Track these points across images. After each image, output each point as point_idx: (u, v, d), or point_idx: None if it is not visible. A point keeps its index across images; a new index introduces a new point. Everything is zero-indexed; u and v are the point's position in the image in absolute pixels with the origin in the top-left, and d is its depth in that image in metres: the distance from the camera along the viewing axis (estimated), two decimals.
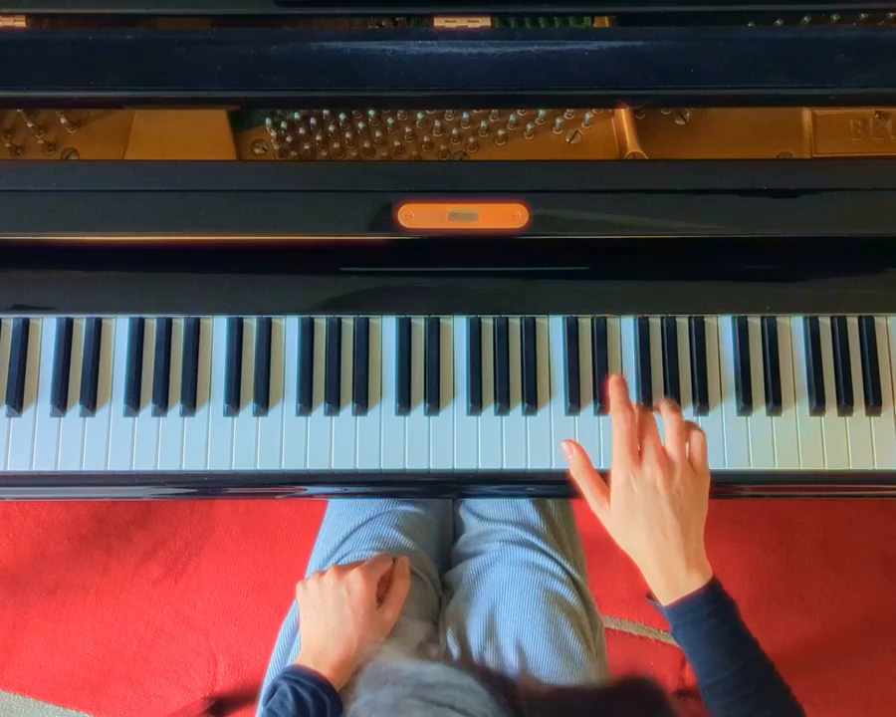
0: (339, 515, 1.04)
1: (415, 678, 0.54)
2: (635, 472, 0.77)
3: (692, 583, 0.76)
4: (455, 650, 0.95)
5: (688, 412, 0.91)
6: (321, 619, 0.90)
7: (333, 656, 0.88)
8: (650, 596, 0.79)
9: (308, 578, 0.95)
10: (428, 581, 1.02)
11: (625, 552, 0.80)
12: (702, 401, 0.91)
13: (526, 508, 1.02)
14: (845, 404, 0.90)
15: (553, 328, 0.92)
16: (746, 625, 0.77)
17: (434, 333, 0.92)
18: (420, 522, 1.04)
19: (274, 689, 0.87)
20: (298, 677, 0.86)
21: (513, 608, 0.95)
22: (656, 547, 0.77)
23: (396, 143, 0.96)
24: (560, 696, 0.53)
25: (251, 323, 0.92)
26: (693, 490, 0.78)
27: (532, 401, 0.90)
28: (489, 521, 1.03)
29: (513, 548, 0.99)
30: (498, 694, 0.51)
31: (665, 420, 0.79)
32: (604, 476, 0.79)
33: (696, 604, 0.76)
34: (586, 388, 0.91)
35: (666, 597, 0.77)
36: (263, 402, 0.90)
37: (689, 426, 0.80)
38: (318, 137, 0.95)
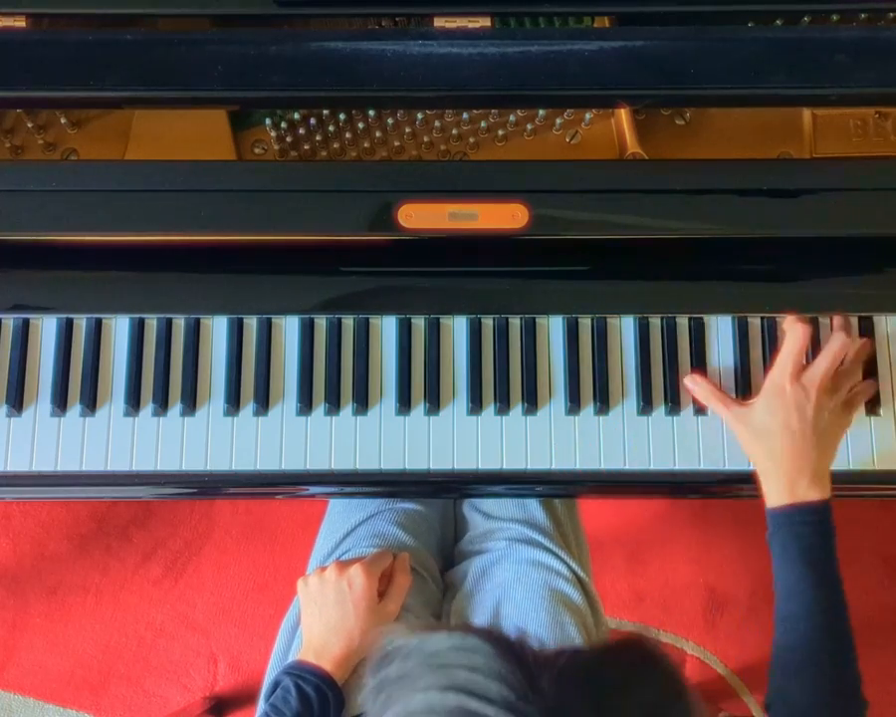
0: (340, 512, 1.05)
1: (419, 648, 0.54)
2: (795, 376, 0.82)
3: (811, 493, 0.79)
4: None
5: (687, 412, 0.91)
6: (322, 615, 0.91)
7: (335, 651, 0.88)
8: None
9: (309, 574, 0.95)
10: (429, 577, 1.02)
11: (750, 457, 0.84)
12: None
13: (532, 506, 1.02)
14: None
15: (553, 328, 0.92)
16: (838, 562, 0.78)
17: (434, 333, 0.92)
18: (421, 519, 1.05)
19: (276, 685, 0.87)
20: (301, 672, 0.86)
21: (518, 606, 0.95)
22: (790, 446, 0.80)
23: (396, 143, 0.96)
24: (566, 654, 0.53)
25: (251, 323, 0.92)
26: (838, 418, 0.83)
27: (532, 401, 0.90)
28: (495, 519, 1.03)
29: (519, 546, 0.99)
30: (505, 651, 0.51)
31: (849, 355, 0.85)
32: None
33: (807, 513, 0.78)
34: (586, 388, 0.91)
35: (780, 497, 0.79)
36: (263, 402, 0.90)
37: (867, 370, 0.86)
38: (318, 137, 0.95)
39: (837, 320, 0.89)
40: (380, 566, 0.94)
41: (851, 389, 0.86)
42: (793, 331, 0.83)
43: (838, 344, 0.84)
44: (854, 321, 0.92)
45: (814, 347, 0.89)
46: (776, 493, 0.80)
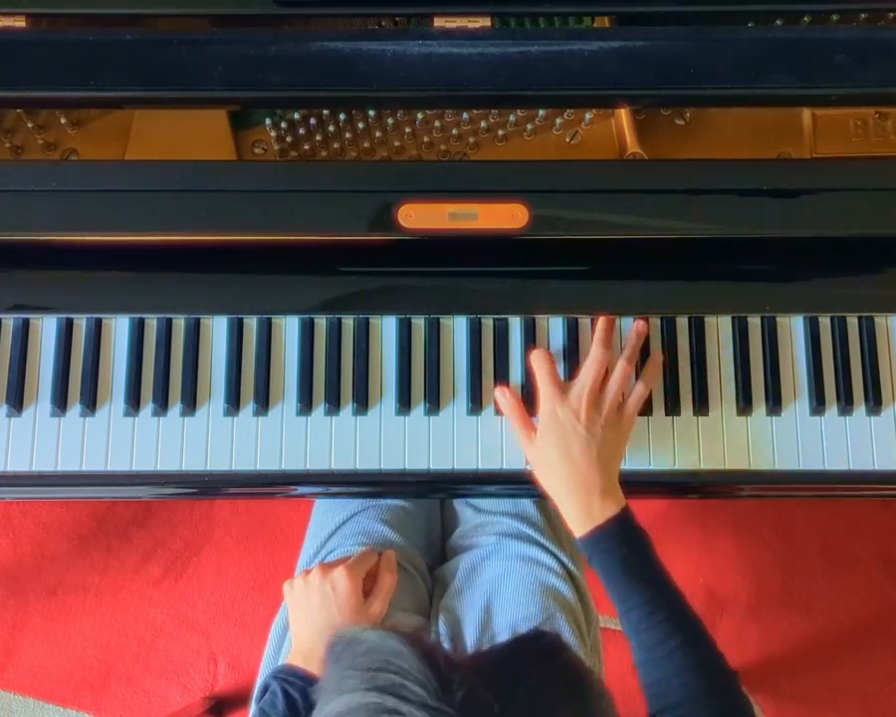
0: (325, 512, 1.04)
1: (350, 650, 0.58)
2: (560, 400, 0.83)
3: (606, 511, 0.80)
4: (447, 643, 0.95)
5: (687, 412, 0.91)
6: (308, 618, 0.91)
7: (321, 655, 0.88)
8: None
9: (295, 577, 0.95)
10: (416, 573, 1.02)
11: (545, 491, 0.84)
12: (701, 401, 0.91)
13: (523, 501, 1.02)
14: (845, 404, 0.90)
15: (552, 328, 0.92)
16: (658, 557, 0.80)
17: (434, 333, 0.92)
18: (406, 515, 1.05)
19: (265, 688, 0.87)
20: (288, 676, 0.87)
21: (508, 602, 0.95)
22: (574, 471, 0.81)
23: (396, 143, 0.96)
24: (476, 656, 0.58)
25: (251, 323, 0.92)
26: (616, 427, 0.83)
27: (532, 402, 0.90)
28: (485, 513, 1.03)
29: (509, 541, 0.99)
30: (422, 654, 0.55)
31: (618, 363, 0.85)
32: None
33: (610, 532, 0.79)
34: None
35: (581, 526, 0.81)
36: (263, 402, 0.90)
37: (646, 375, 0.86)
38: (318, 137, 0.95)
39: (598, 328, 0.87)
40: (365, 566, 0.94)
41: (635, 395, 0.86)
42: (534, 360, 0.86)
43: (598, 355, 0.84)
44: (854, 321, 0.92)
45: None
46: (576, 522, 0.81)
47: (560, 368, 0.90)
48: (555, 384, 0.84)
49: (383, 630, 0.58)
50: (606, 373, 0.85)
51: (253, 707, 0.90)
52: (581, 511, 0.80)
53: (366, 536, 1.00)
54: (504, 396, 0.87)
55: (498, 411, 0.90)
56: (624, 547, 0.79)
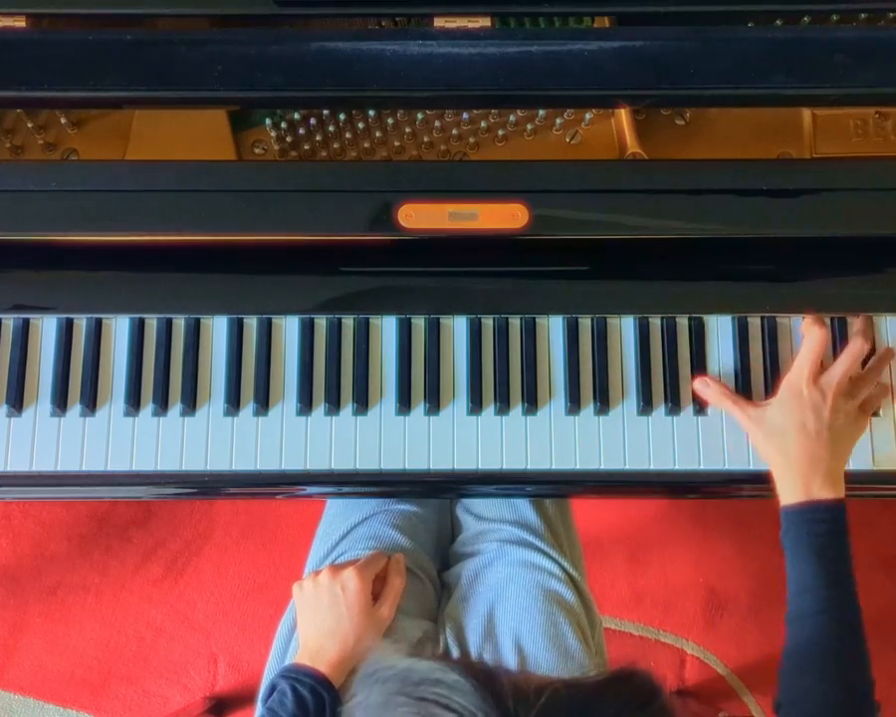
0: (337, 514, 1.04)
1: (403, 674, 0.55)
2: (813, 379, 0.83)
3: (825, 492, 0.79)
4: (455, 650, 0.95)
5: (688, 411, 0.91)
6: (316, 619, 0.91)
7: (330, 655, 0.88)
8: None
9: (304, 578, 0.95)
10: (426, 579, 1.02)
11: (764, 457, 0.85)
12: (702, 401, 0.91)
13: (523, 507, 1.02)
14: None
15: (553, 328, 0.92)
16: (853, 565, 0.78)
17: (434, 333, 0.92)
18: (418, 521, 1.04)
19: (273, 688, 0.87)
20: (297, 675, 0.86)
21: (511, 608, 0.95)
22: (805, 446, 0.81)
23: (396, 143, 0.96)
24: (549, 690, 0.52)
25: (251, 323, 0.92)
26: (853, 422, 0.84)
27: (532, 401, 0.90)
28: (486, 520, 1.03)
29: (510, 547, 0.99)
30: (484, 691, 0.51)
31: (871, 364, 0.87)
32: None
33: (819, 511, 0.78)
34: (586, 388, 0.91)
35: (794, 495, 0.80)
36: (263, 402, 0.90)
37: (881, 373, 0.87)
38: (318, 137, 0.95)
39: (857, 323, 0.90)
40: (374, 568, 0.94)
41: (868, 395, 0.87)
42: (811, 333, 0.84)
43: (856, 348, 0.85)
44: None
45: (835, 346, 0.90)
46: (790, 491, 0.81)
47: (560, 369, 0.90)
48: (814, 365, 0.83)
49: (443, 661, 0.55)
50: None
51: (259, 708, 0.90)
52: (800, 482, 0.80)
53: (377, 540, 1.00)
54: (708, 386, 0.88)
55: (499, 411, 0.90)
56: (828, 534, 0.77)
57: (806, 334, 0.85)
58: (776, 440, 0.83)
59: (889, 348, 0.91)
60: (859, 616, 0.77)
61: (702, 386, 0.89)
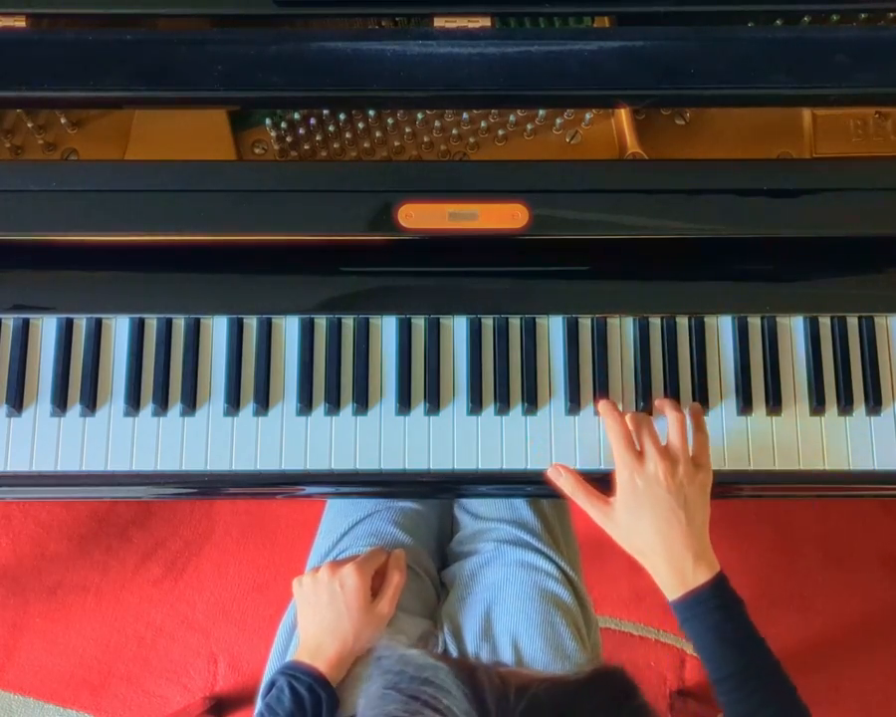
0: (338, 511, 1.05)
1: (400, 668, 0.56)
2: (637, 468, 0.79)
3: (699, 575, 0.78)
4: (453, 649, 0.95)
5: (687, 412, 0.90)
6: (316, 616, 0.91)
7: (329, 652, 0.88)
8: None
9: (304, 574, 0.95)
10: (426, 576, 1.02)
11: (632, 554, 0.81)
12: (702, 401, 0.91)
13: (520, 506, 1.02)
14: (845, 404, 0.90)
15: (553, 328, 0.92)
16: (753, 623, 0.78)
17: (434, 333, 0.92)
18: (419, 518, 1.05)
19: (272, 684, 0.88)
20: (294, 672, 0.87)
21: (508, 608, 0.95)
22: (663, 539, 0.78)
23: (396, 143, 0.96)
24: (528, 694, 0.53)
25: (251, 323, 0.92)
26: (696, 483, 0.80)
27: (532, 401, 0.90)
28: (483, 519, 1.03)
29: (507, 547, 0.99)
30: (471, 693, 0.52)
31: (668, 417, 0.82)
32: (605, 484, 0.78)
33: (703, 597, 0.77)
34: (586, 388, 0.91)
35: (674, 590, 0.78)
36: (263, 402, 0.90)
37: (695, 422, 0.83)
38: (318, 137, 0.95)
39: (658, 403, 0.86)
40: (373, 564, 0.94)
41: (694, 449, 0.83)
42: (606, 423, 0.82)
43: (676, 418, 0.82)
44: (854, 321, 0.92)
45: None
46: (668, 586, 0.79)
47: (560, 369, 0.90)
48: (631, 449, 0.80)
49: (434, 657, 0.55)
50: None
51: (259, 703, 0.90)
52: (674, 576, 0.78)
53: (378, 537, 1.00)
54: (561, 475, 0.83)
55: (499, 411, 0.90)
56: (718, 613, 0.76)
57: (607, 428, 0.82)
58: (634, 540, 0.80)
59: (695, 403, 0.88)
60: (778, 671, 0.76)
61: (555, 475, 0.84)
